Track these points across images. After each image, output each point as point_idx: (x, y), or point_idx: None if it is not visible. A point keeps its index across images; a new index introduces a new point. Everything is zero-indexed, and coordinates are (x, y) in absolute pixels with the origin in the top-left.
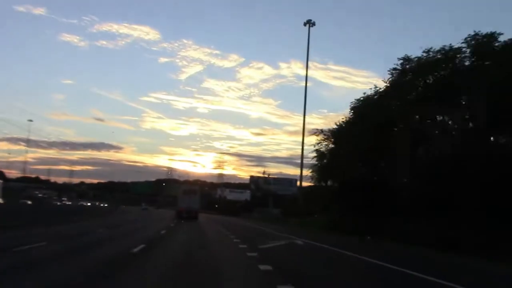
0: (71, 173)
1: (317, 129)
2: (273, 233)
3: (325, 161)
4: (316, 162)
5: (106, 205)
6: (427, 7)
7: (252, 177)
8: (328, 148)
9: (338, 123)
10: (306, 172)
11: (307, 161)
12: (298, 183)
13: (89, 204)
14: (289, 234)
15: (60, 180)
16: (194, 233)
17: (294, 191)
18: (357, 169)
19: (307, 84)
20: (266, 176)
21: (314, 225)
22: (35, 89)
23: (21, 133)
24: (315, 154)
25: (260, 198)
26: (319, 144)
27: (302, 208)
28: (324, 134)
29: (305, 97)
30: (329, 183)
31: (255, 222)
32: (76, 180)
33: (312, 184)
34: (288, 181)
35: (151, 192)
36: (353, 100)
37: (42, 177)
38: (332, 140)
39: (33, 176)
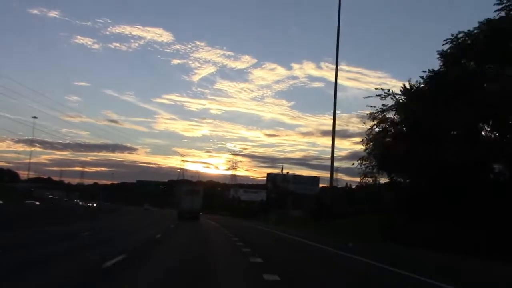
0: (82, 174)
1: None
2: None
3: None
4: (371, 151)
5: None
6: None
7: (269, 174)
8: (389, 130)
9: (408, 86)
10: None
11: (320, 162)
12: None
13: (90, 204)
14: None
15: (74, 181)
16: (194, 240)
17: (316, 191)
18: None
19: (320, 85)
20: (285, 173)
21: (359, 231)
22: (50, 92)
23: (36, 135)
24: (366, 142)
25: (277, 199)
26: (379, 124)
27: (333, 209)
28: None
29: (335, 94)
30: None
31: (278, 227)
32: (89, 181)
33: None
34: (310, 180)
35: (158, 192)
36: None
37: (55, 178)
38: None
39: (45, 177)
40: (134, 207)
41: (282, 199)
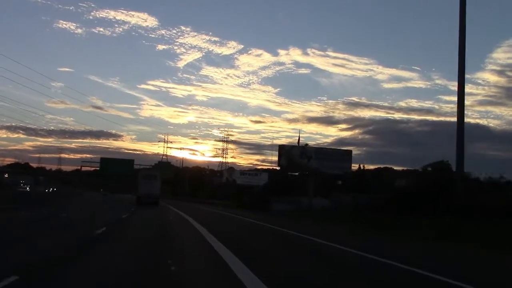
0: (60, 161)
1: None
2: None
3: None
4: None
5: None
6: None
7: (282, 147)
8: None
9: None
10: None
11: None
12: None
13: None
14: None
15: (56, 167)
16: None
17: (346, 169)
18: None
19: (306, 71)
20: (303, 145)
21: None
22: (33, 77)
23: (19, 121)
24: None
25: (288, 182)
26: None
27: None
28: None
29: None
30: None
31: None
32: (72, 168)
33: None
34: (340, 154)
35: (132, 173)
36: None
37: (34, 164)
38: None
39: (23, 163)
40: (94, 193)
41: (299, 182)
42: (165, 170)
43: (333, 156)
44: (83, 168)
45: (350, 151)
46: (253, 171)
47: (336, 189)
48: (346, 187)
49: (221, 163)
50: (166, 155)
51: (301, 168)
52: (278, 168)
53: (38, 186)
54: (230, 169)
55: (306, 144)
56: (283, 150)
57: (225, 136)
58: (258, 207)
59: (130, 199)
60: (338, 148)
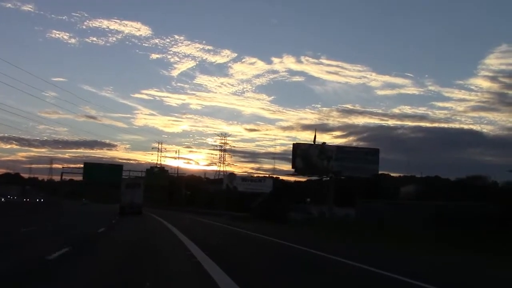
0: (51, 171)
1: None
2: None
3: None
4: None
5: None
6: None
7: (297, 146)
8: None
9: None
10: None
11: None
12: None
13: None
14: None
15: (48, 178)
16: None
17: (373, 171)
18: None
19: (300, 79)
20: (320, 143)
21: None
22: (26, 87)
23: (12, 132)
24: None
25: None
26: None
27: None
28: None
29: None
30: None
31: None
32: (65, 178)
33: None
34: (364, 154)
35: (119, 179)
36: None
37: (24, 175)
38: None
39: (13, 173)
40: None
41: (311, 188)
42: (159, 177)
43: (357, 156)
44: (74, 177)
45: (377, 150)
46: (255, 177)
47: (358, 195)
48: (360, 193)
49: (218, 171)
50: (161, 164)
51: (320, 170)
52: (287, 173)
53: (23, 195)
54: (231, 175)
55: (324, 143)
56: (298, 150)
57: (222, 144)
58: (272, 217)
59: (114, 209)
60: (362, 147)
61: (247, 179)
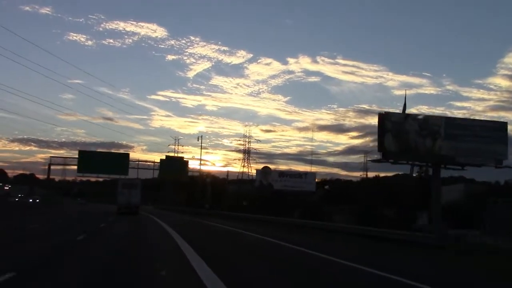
0: (64, 172)
1: None
2: None
3: None
4: None
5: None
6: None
7: (386, 116)
8: None
9: None
10: None
11: (317, 157)
12: None
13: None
14: None
15: (61, 178)
16: None
17: (502, 154)
18: None
19: (316, 79)
20: (419, 114)
21: None
22: (44, 90)
23: (31, 133)
24: None
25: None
26: None
27: None
28: None
29: None
30: None
31: None
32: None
33: None
34: (491, 130)
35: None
36: None
37: (40, 176)
38: None
39: (28, 173)
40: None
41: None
42: (178, 167)
43: (477, 132)
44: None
45: (505, 123)
46: (295, 172)
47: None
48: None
49: (241, 173)
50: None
51: (420, 154)
52: (376, 156)
53: (30, 196)
54: (265, 168)
55: (418, 115)
56: (387, 121)
57: (247, 140)
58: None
59: (110, 209)
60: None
61: (285, 173)
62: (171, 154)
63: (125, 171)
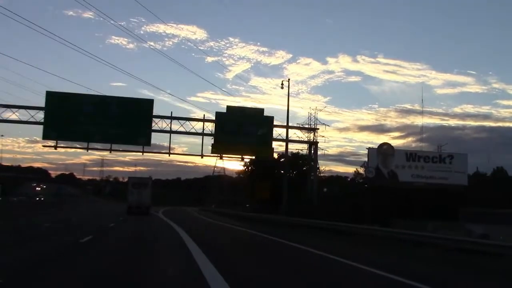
0: (102, 172)
1: None
2: None
3: None
4: None
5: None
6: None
7: None
8: None
9: None
10: None
11: (357, 158)
12: None
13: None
14: None
15: (99, 178)
16: None
17: None
18: None
19: (357, 79)
20: None
21: None
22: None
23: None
24: None
25: None
26: None
27: None
28: None
29: None
30: None
31: None
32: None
33: None
34: None
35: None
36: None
37: (82, 176)
38: None
39: (67, 173)
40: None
41: None
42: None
43: None
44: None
45: None
46: (434, 153)
47: None
48: None
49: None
50: (218, 167)
51: None
52: None
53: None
54: (385, 148)
55: None
56: None
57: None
58: None
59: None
60: None
61: (419, 156)
62: (212, 162)
63: (146, 122)
